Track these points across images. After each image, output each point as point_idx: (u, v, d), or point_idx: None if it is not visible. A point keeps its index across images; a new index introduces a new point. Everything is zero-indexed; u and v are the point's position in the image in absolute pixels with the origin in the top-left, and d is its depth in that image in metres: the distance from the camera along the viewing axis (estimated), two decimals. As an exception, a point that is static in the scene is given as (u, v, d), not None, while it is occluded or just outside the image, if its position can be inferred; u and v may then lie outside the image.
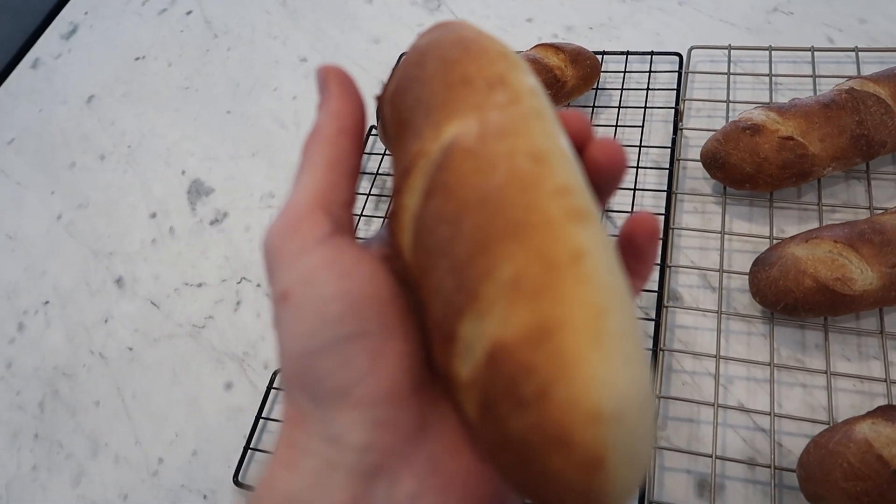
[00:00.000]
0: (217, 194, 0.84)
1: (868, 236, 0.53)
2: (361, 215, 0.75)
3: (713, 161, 0.64)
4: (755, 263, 0.58)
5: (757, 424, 0.55)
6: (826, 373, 0.55)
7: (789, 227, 0.64)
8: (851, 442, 0.46)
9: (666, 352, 0.59)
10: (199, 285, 0.77)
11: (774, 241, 0.62)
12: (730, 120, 0.69)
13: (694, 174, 0.70)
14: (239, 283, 0.75)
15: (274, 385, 0.65)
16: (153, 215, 0.85)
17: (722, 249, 0.63)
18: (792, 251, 0.55)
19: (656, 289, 0.61)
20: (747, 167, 0.61)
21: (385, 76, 0.88)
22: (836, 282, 0.53)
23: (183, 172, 0.88)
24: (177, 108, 0.97)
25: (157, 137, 0.94)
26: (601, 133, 0.75)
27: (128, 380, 0.72)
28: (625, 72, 0.78)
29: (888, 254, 0.53)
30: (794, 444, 0.53)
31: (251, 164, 0.86)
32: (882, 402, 0.54)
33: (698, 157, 0.67)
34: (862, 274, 0.52)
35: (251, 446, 0.61)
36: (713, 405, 0.55)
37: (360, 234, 0.74)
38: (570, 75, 0.73)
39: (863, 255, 0.53)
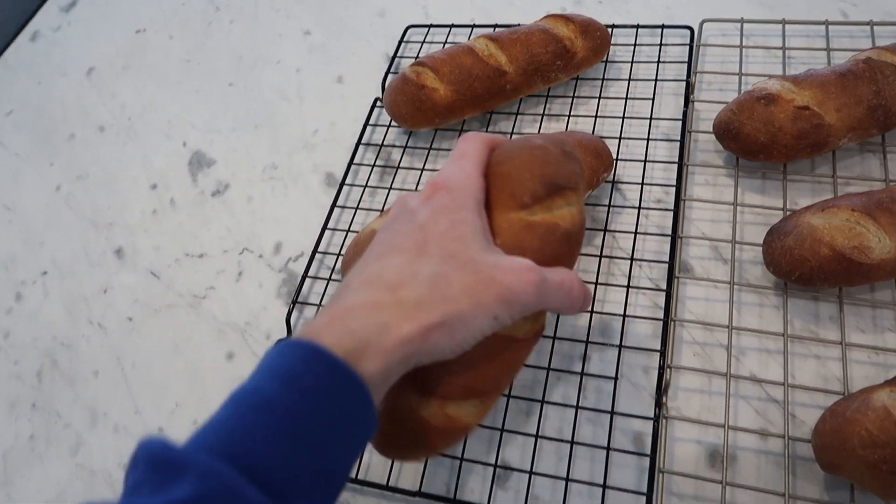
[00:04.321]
0: (219, 166, 0.83)
1: (886, 205, 0.52)
2: (366, 186, 0.74)
3: (726, 131, 0.63)
4: (770, 233, 0.57)
5: (770, 395, 0.54)
6: (841, 344, 0.54)
7: (803, 199, 0.63)
8: (870, 409, 0.45)
9: (677, 322, 0.58)
10: (201, 256, 0.75)
11: (788, 214, 0.61)
12: (741, 93, 0.67)
13: (705, 147, 0.69)
14: (241, 253, 0.74)
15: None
16: (154, 186, 0.83)
17: (734, 221, 0.61)
18: (808, 220, 0.54)
19: (667, 260, 0.60)
20: (761, 137, 0.60)
21: (390, 50, 0.86)
22: (853, 250, 0.51)
23: (184, 144, 0.86)
24: (178, 81, 0.95)
25: (157, 110, 0.92)
26: (611, 105, 0.74)
27: (128, 350, 0.70)
28: (635, 45, 0.77)
29: (907, 222, 0.51)
30: (808, 415, 0.53)
31: (253, 137, 0.85)
32: (897, 373, 0.53)
33: (710, 130, 0.66)
34: (880, 242, 0.51)
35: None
36: (725, 375, 0.54)
37: (365, 205, 0.73)
38: (580, 46, 0.72)
39: (881, 224, 0.52)
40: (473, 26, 0.84)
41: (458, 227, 0.40)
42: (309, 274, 0.68)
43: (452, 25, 0.85)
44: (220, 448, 0.32)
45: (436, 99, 0.71)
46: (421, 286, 0.38)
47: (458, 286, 0.38)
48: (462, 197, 0.42)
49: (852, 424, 0.45)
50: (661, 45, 0.76)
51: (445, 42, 0.85)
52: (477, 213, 0.42)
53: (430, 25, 0.87)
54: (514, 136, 0.74)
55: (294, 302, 0.66)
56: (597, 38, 0.73)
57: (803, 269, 0.53)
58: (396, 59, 0.85)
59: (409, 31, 0.88)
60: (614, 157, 0.68)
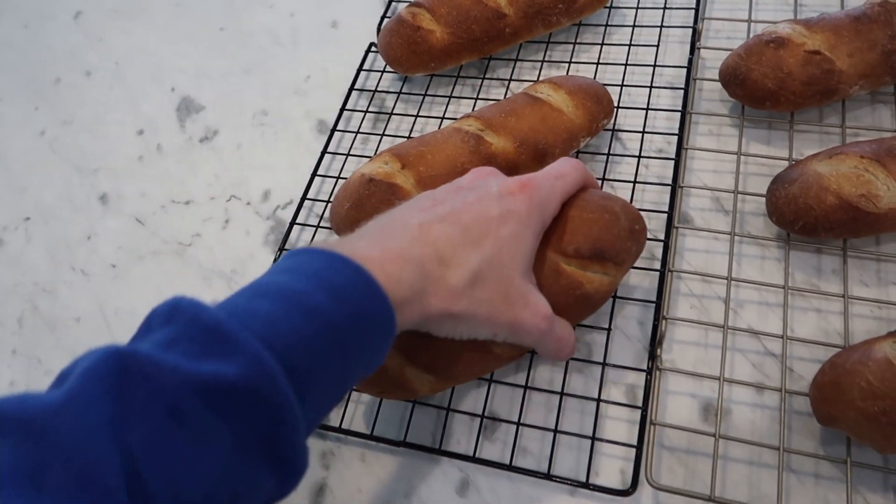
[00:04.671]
0: (207, 111, 0.80)
1: (897, 152, 0.50)
2: (358, 132, 0.71)
3: (733, 77, 0.60)
4: (774, 181, 0.54)
5: (767, 349, 0.52)
6: (843, 297, 0.52)
7: (809, 150, 0.61)
8: (871, 361, 0.43)
9: (674, 273, 0.56)
10: (187, 203, 0.73)
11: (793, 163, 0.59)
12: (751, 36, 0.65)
13: (710, 96, 0.66)
14: (228, 200, 0.72)
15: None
16: (140, 132, 0.81)
17: (737, 171, 0.59)
18: (814, 167, 0.52)
19: (667, 209, 0.58)
20: (769, 83, 0.58)
21: (387, -7, 0.83)
22: (860, 198, 0.49)
23: (172, 90, 0.84)
24: (168, 25, 0.92)
25: (146, 54, 0.89)
26: (614, 52, 0.71)
27: (111, 296, 0.69)
28: (641, -10, 0.74)
29: (918, 170, 0.49)
30: (806, 370, 0.51)
31: (244, 82, 0.82)
32: (901, 328, 0.51)
33: (715, 78, 0.63)
34: (889, 190, 0.49)
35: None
36: (722, 328, 0.52)
37: (357, 151, 0.70)
38: (584, -11, 0.69)
39: (890, 171, 0.49)
40: (473, -30, 0.81)
41: (518, 244, 0.43)
42: (297, 221, 0.66)
43: (451, -31, 0.82)
44: (266, 338, 0.32)
45: (432, 41, 0.68)
46: (464, 275, 0.41)
47: (488, 294, 0.42)
48: (537, 214, 0.45)
49: (852, 375, 0.43)
50: (667, -10, 0.73)
51: (443, -14, 0.81)
52: (537, 237, 0.45)
53: (429, -31, 0.83)
54: (513, 85, 0.71)
55: (281, 249, 0.64)
56: (601, -20, 0.70)
57: (807, 219, 0.51)
58: (393, 4, 0.82)
59: (407, -25, 0.84)
60: (615, 104, 0.66)
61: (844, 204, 0.50)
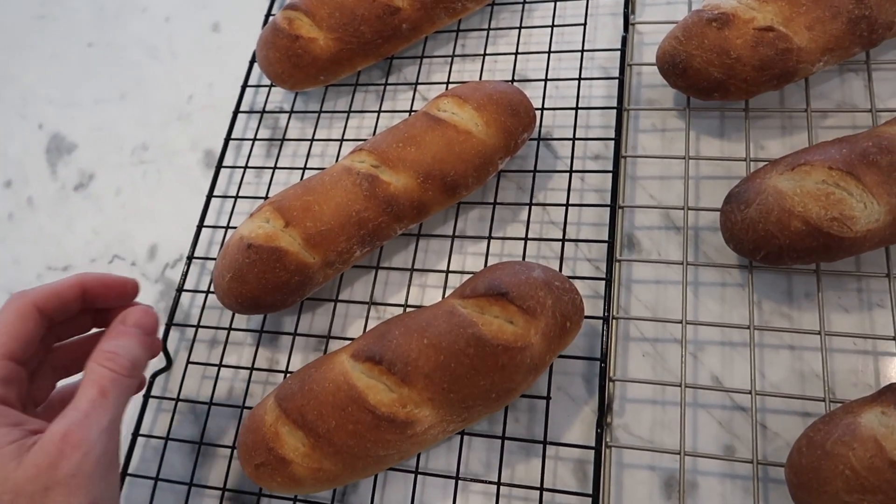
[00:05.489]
0: (81, 151, 0.69)
1: (873, 157, 0.41)
2: (247, 167, 0.61)
3: (672, 66, 0.49)
4: (727, 200, 0.45)
5: (735, 402, 0.44)
6: (819, 333, 0.43)
7: (771, 141, 0.51)
8: (856, 441, 0.35)
9: (620, 320, 0.48)
10: (65, 269, 0.63)
11: (752, 164, 0.49)
12: (693, 9, 0.54)
13: (652, 80, 0.56)
14: (111, 262, 0.62)
15: (152, 393, 0.53)
16: (8, 183, 0.70)
17: (686, 178, 0.50)
18: (774, 183, 0.42)
19: (606, 238, 0.49)
20: (715, 72, 0.47)
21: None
22: (832, 223, 0.40)
23: (40, 126, 0.72)
24: (31, 43, 0.79)
25: (8, 81, 0.77)
26: (536, 36, 0.60)
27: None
28: (562, -47, 0.62)
29: (900, 179, 0.40)
30: (782, 426, 0.43)
31: (120, 109, 0.70)
32: (890, 363, 0.43)
33: (655, 61, 0.53)
34: (865, 209, 0.40)
35: (129, 472, 0.50)
36: (680, 386, 0.44)
37: (249, 191, 0.60)
38: (490, -36, 0.57)
39: (866, 184, 0.40)
40: (368, -55, 0.68)
41: None
42: (185, 287, 0.56)
43: (342, -54, 0.69)
44: None
45: (315, 51, 0.57)
46: None
47: None
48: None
49: (834, 460, 0.35)
50: (593, -50, 0.61)
51: (335, -31, 0.69)
52: None
53: (316, -52, 0.70)
54: (422, 89, 0.60)
55: (169, 324, 0.55)
56: (510, -50, 0.58)
57: (770, 248, 0.42)
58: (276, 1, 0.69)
59: (293, -42, 0.72)
60: (540, 105, 0.55)
61: (813, 230, 0.40)
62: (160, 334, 0.54)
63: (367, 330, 0.46)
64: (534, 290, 0.42)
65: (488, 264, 0.51)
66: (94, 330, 0.44)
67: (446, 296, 0.46)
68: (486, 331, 0.41)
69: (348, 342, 0.46)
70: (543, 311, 0.42)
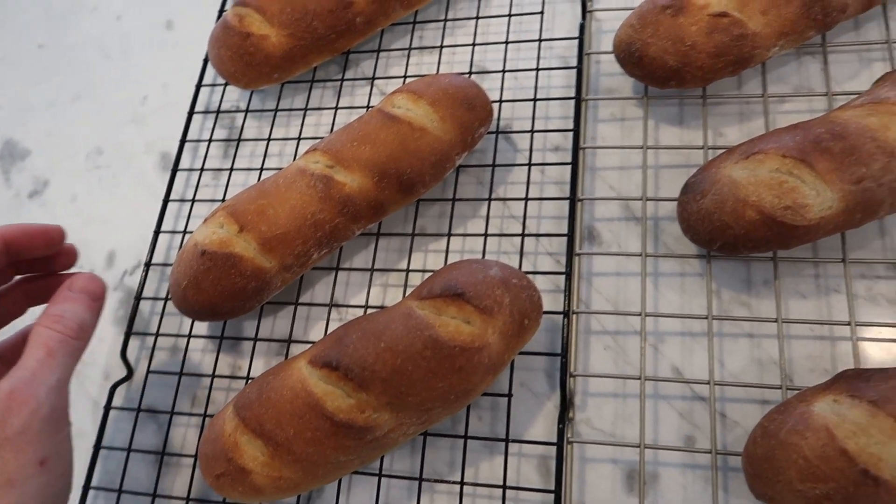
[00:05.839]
0: (35, 157, 0.68)
1: (825, 144, 0.40)
2: (203, 169, 0.59)
3: (627, 55, 0.49)
4: (684, 191, 0.45)
5: (695, 392, 0.44)
6: (777, 321, 0.43)
7: (729, 127, 0.51)
8: (808, 430, 0.35)
9: (581, 314, 0.47)
10: (22, 278, 0.62)
11: (710, 152, 0.49)
12: (647, -6, 0.53)
13: (611, 69, 0.55)
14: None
15: (113, 404, 0.52)
16: (-39, 192, 0.68)
17: (645, 168, 0.49)
18: (728, 173, 0.42)
19: (566, 231, 0.48)
20: (670, 60, 0.47)
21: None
22: (785, 211, 0.40)
23: (-8, 132, 0.70)
24: (-19, 45, 0.77)
25: (-41, 88, 0.75)
26: (494, 26, 0.59)
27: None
28: (517, -60, 0.61)
29: (852, 165, 0.40)
30: (742, 414, 0.43)
31: (74, 112, 0.69)
32: (846, 349, 0.43)
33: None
34: (818, 196, 0.40)
35: (91, 485, 0.50)
36: (640, 379, 0.44)
37: (207, 194, 0.59)
38: (443, -47, 0.56)
39: (819, 172, 0.40)
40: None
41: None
42: (144, 294, 0.55)
43: (296, -63, 0.68)
44: None
45: (268, 48, 0.55)
46: None
47: None
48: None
49: (788, 450, 0.36)
50: (549, -64, 0.60)
51: (288, -39, 0.67)
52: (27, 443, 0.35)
53: (269, -60, 0.69)
54: (380, 83, 0.59)
55: (128, 333, 0.54)
56: (464, -61, 0.57)
57: (726, 238, 0.42)
58: (232, -9, 0.68)
59: (246, -50, 0.70)
60: (498, 98, 0.54)
61: (767, 219, 0.40)
62: (119, 344, 0.53)
63: (326, 334, 0.45)
64: (490, 288, 0.42)
65: (449, 261, 0.51)
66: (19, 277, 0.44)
67: (406, 296, 0.46)
68: (443, 332, 0.40)
69: (310, 346, 0.46)
70: (501, 310, 0.41)
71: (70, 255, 0.44)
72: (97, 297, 0.41)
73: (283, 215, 0.47)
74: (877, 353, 0.43)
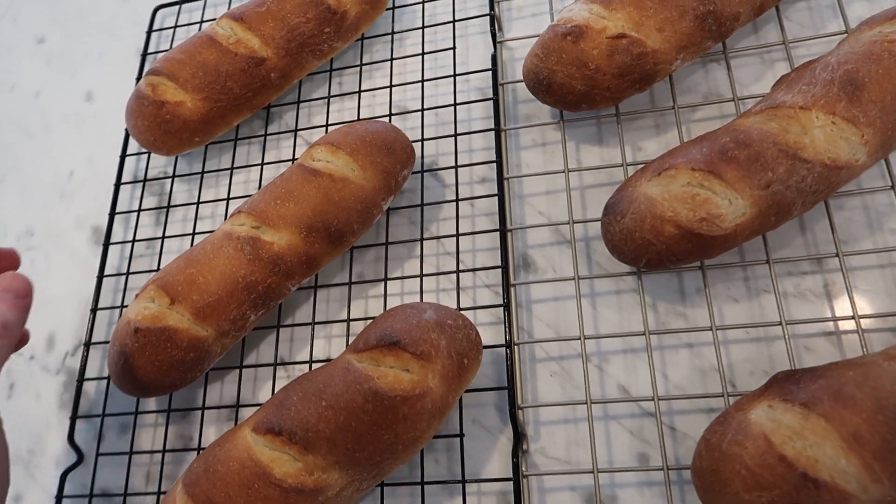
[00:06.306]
0: (-37, 245, 0.66)
1: (731, 153, 0.41)
2: (135, 241, 0.59)
3: (536, 83, 0.50)
4: (605, 212, 0.45)
5: (643, 409, 0.45)
6: (711, 329, 0.44)
7: (647, 140, 0.52)
8: (748, 439, 0.36)
9: (523, 345, 0.48)
10: (-40, 373, 0.60)
11: (630, 168, 0.50)
12: (553, 21, 0.54)
13: (527, 95, 0.56)
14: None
15: (65, 493, 0.51)
16: None
17: (569, 191, 0.50)
18: (644, 191, 0.43)
19: (499, 263, 0.49)
20: (578, 84, 0.48)
21: (141, 43, 0.68)
22: (701, 223, 0.41)
23: (-83, 224, 0.69)
24: None
25: None
26: (410, 65, 0.59)
27: None
28: (423, -23, 0.62)
29: (758, 171, 0.41)
30: (690, 426, 0.44)
31: (-1, 196, 0.68)
32: (781, 348, 0.44)
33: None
34: (731, 205, 0.41)
35: (48, 581, 0.48)
36: (586, 403, 0.44)
37: (141, 265, 0.58)
38: (350, 1, 0.56)
39: (728, 181, 0.41)
40: (233, -9, 0.67)
41: None
42: (87, 375, 0.54)
43: (207, -5, 0.68)
44: None
45: (184, 114, 0.55)
46: None
47: None
48: None
49: (730, 461, 0.36)
50: (453, -29, 0.61)
51: (202, 21, 0.67)
52: None
53: (181, 1, 0.69)
54: (304, 134, 0.59)
55: (74, 416, 0.53)
56: (368, -15, 0.57)
57: (650, 255, 0.43)
58: (150, 56, 0.67)
59: (160, 14, 0.70)
60: (420, 136, 0.55)
61: (685, 233, 0.41)
62: (66, 429, 0.52)
63: (269, 399, 0.45)
64: (426, 333, 0.42)
65: (389, 306, 0.51)
66: None
67: (346, 349, 0.45)
68: (383, 384, 0.40)
69: (258, 408, 0.45)
70: (438, 353, 0.41)
71: (10, 258, 0.43)
72: (21, 295, 0.40)
73: (213, 282, 0.46)
74: (813, 349, 0.44)
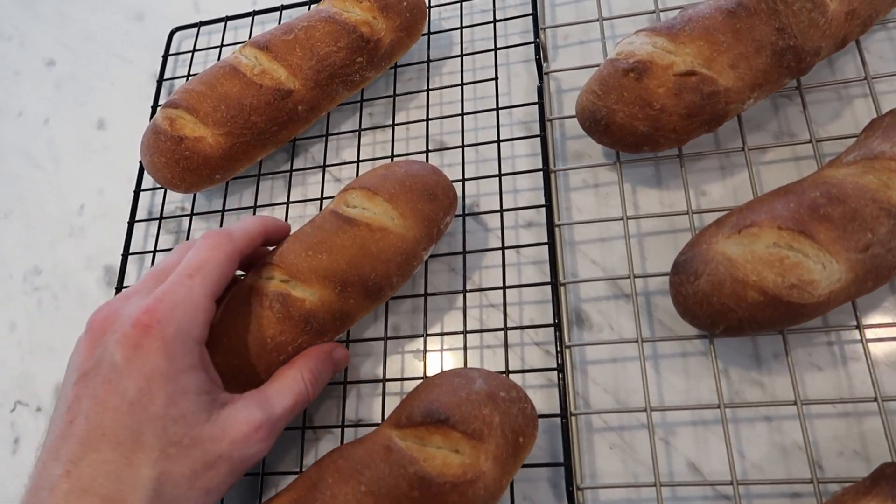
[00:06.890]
0: (-34, 284, 0.62)
1: (823, 210, 0.37)
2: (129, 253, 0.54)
3: (593, 123, 0.45)
4: (674, 270, 0.41)
5: (718, 492, 0.40)
6: (795, 403, 0.39)
7: (711, 184, 0.47)
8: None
9: (578, 416, 0.43)
10: (-39, 426, 0.56)
11: (695, 215, 0.45)
12: (608, 53, 0.50)
13: (577, 131, 0.51)
14: (13, 410, 0.55)
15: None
16: None
17: (628, 240, 0.45)
18: (722, 249, 0.38)
19: (551, 319, 0.44)
20: (640, 125, 0.43)
21: (157, 66, 0.64)
22: (791, 290, 0.36)
23: (-82, 260, 0.65)
24: None
25: None
26: (447, 95, 0.55)
27: None
28: (461, 1, 0.57)
29: (856, 231, 0.36)
30: (771, 512, 0.39)
31: (4, 231, 0.63)
32: (874, 425, 0.39)
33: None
34: (825, 270, 0.36)
35: None
36: (654, 486, 0.39)
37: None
38: (384, 28, 0.52)
39: (821, 242, 0.36)
40: (254, 14, 0.63)
41: (178, 404, 0.35)
42: (96, 434, 0.50)
43: (227, 18, 0.64)
44: None
45: (205, 150, 0.51)
46: (145, 494, 0.33)
47: (185, 482, 0.35)
48: (180, 349, 0.36)
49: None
50: (493, -6, 0.56)
51: (222, 45, 0.63)
52: (197, 368, 0.37)
53: (200, 24, 0.64)
54: (332, 171, 0.55)
55: (82, 482, 0.48)
56: (404, 10, 0.53)
57: (729, 322, 0.38)
58: (166, 82, 0.63)
59: (177, 37, 0.66)
60: (460, 176, 0.50)
61: (772, 300, 0.36)
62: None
63: (298, 477, 0.40)
64: (477, 408, 0.37)
65: (427, 363, 0.46)
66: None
67: (384, 419, 0.41)
68: (430, 467, 0.36)
69: (282, 490, 0.40)
70: (492, 432, 0.37)
71: (283, 232, 0.46)
72: (341, 367, 0.45)
73: (238, 343, 0.42)
74: (907, 426, 0.39)
